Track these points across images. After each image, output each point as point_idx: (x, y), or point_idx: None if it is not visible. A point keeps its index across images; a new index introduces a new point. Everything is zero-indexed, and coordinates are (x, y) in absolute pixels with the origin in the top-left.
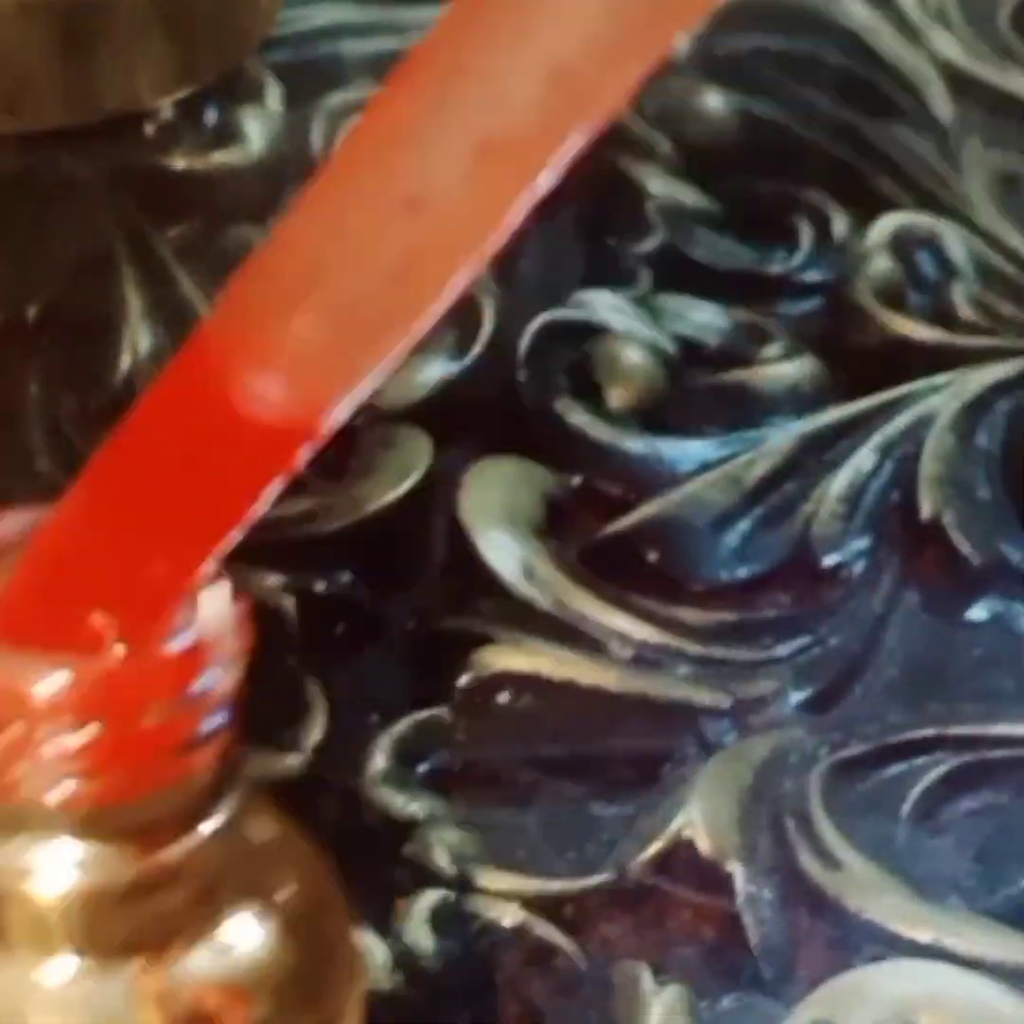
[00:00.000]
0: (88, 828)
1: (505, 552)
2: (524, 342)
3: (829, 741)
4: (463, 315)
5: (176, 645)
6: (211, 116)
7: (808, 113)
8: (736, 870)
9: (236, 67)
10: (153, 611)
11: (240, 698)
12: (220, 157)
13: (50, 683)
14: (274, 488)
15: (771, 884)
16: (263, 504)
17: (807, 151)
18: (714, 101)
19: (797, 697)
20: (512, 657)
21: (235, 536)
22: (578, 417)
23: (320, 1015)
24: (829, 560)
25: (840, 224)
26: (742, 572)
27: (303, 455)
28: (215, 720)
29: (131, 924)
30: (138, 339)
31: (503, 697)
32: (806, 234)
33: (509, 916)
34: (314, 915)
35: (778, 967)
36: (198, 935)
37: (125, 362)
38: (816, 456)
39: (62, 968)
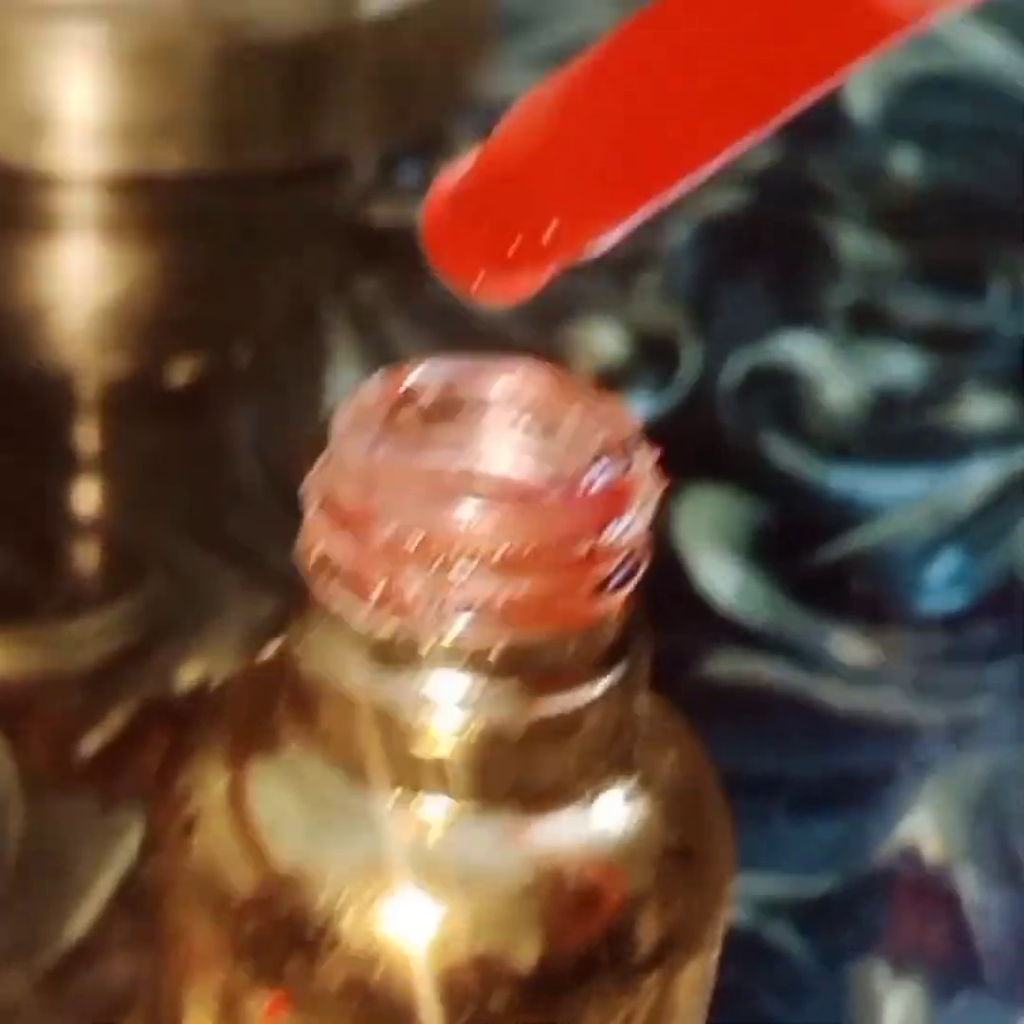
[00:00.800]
0: (490, 665)
1: (719, 574)
2: (727, 381)
3: None
4: (664, 357)
5: (600, 481)
6: (412, 174)
7: (996, 177)
8: (963, 877)
9: (436, 127)
10: (605, 218)
11: (650, 554)
12: (420, 212)
13: (469, 509)
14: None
15: (998, 890)
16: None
17: (996, 212)
18: (904, 163)
19: (1012, 719)
20: (732, 672)
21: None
22: (783, 453)
23: (697, 901)
24: None
25: None
26: (951, 601)
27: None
28: (628, 567)
29: (518, 773)
30: (344, 384)
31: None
32: (999, 289)
33: (739, 920)
34: (694, 796)
35: (1007, 971)
36: (580, 798)
37: (332, 406)
38: (1020, 491)
39: (440, 808)
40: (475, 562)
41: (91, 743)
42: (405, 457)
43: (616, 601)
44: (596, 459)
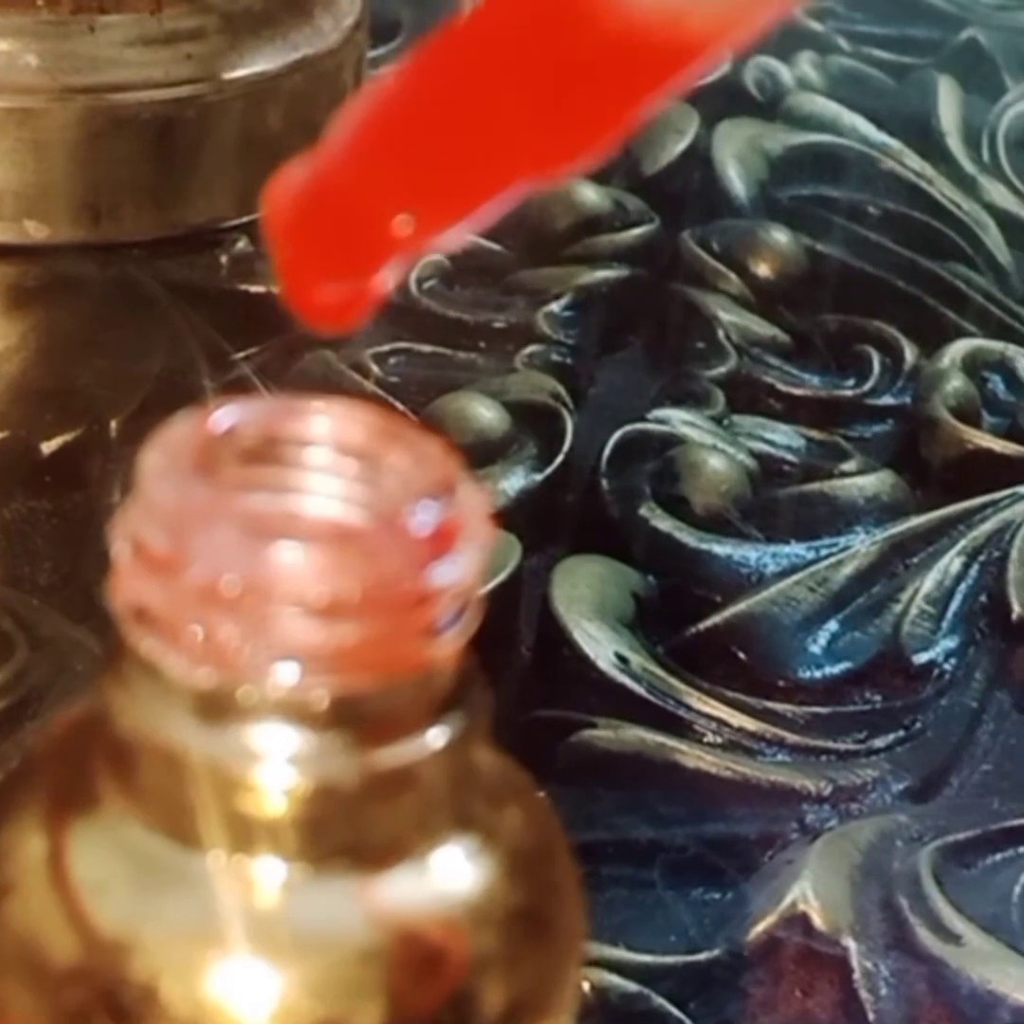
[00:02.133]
0: (319, 717)
1: (598, 643)
2: (606, 451)
3: (933, 827)
4: (544, 429)
5: (424, 521)
6: None
7: (870, 252)
8: (851, 945)
9: None
10: (445, 213)
11: (480, 604)
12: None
13: (289, 551)
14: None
15: (888, 959)
16: (610, 138)
17: (872, 286)
18: (779, 240)
19: (897, 786)
20: (612, 741)
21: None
22: (662, 521)
23: (543, 963)
24: (921, 658)
25: (909, 352)
26: (833, 669)
27: (686, 78)
28: (459, 611)
29: (353, 830)
30: None
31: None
32: (876, 361)
33: (622, 988)
34: (540, 855)
35: None
36: (419, 856)
37: None
38: (902, 560)
39: (271, 869)
40: (297, 607)
41: None
42: (219, 498)
43: (448, 646)
44: (419, 499)
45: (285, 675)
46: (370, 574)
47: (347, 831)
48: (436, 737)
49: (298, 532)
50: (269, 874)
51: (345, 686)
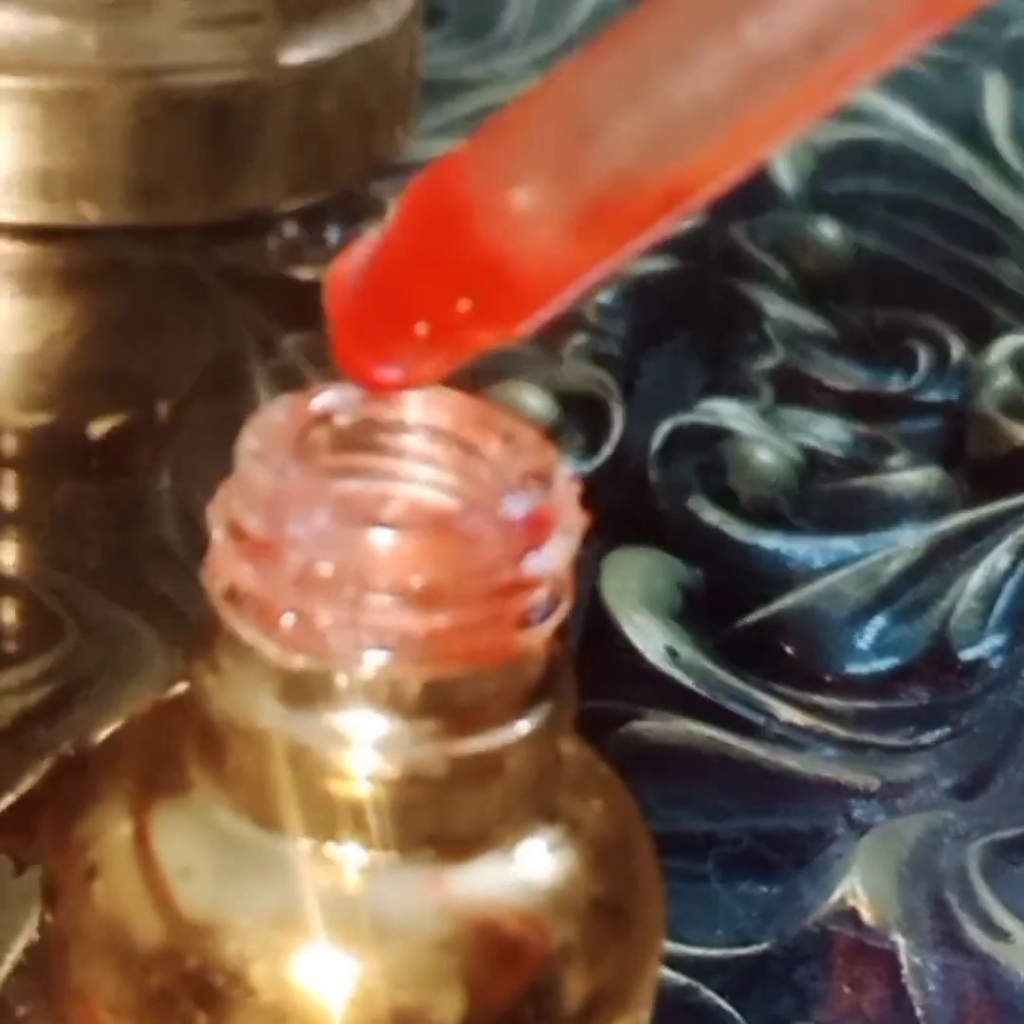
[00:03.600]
0: (409, 704)
1: (648, 635)
2: (654, 444)
3: (980, 824)
4: (592, 420)
5: (520, 509)
6: (333, 234)
7: (917, 247)
8: (900, 941)
9: (360, 187)
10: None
11: (574, 589)
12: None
13: (385, 537)
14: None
15: (936, 955)
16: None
17: (919, 281)
18: (827, 233)
19: (944, 782)
20: (661, 732)
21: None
22: (711, 515)
23: (626, 957)
24: (968, 654)
25: (957, 348)
26: (880, 664)
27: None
28: (551, 601)
29: (437, 818)
30: None
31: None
32: (924, 357)
33: (672, 981)
34: (622, 847)
35: None
36: (503, 845)
37: None
38: (949, 556)
39: (356, 855)
40: (391, 593)
41: (3, 803)
42: (316, 482)
43: (539, 636)
44: (516, 487)
45: (377, 661)
46: (465, 562)
47: (432, 819)
48: (524, 726)
49: (393, 518)
50: (354, 860)
51: (436, 673)
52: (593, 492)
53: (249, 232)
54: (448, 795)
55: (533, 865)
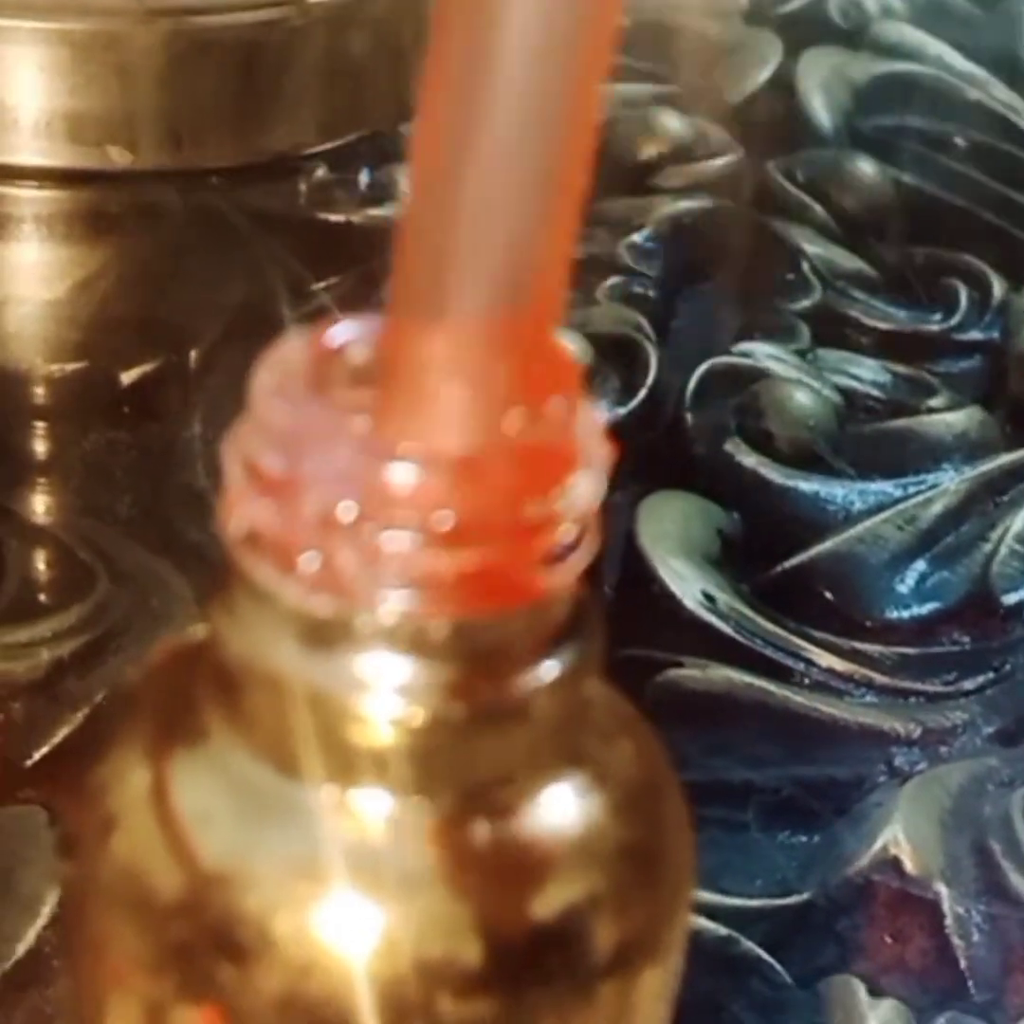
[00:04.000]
0: (432, 647)
1: (685, 580)
2: (690, 386)
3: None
4: (627, 363)
5: (545, 438)
6: (364, 176)
7: (956, 183)
8: (943, 890)
9: (391, 128)
10: None
11: (599, 527)
12: (377, 212)
13: (407, 475)
14: None
15: (980, 904)
16: None
17: (959, 218)
18: (865, 171)
19: (987, 729)
20: (699, 680)
21: None
22: (748, 458)
23: (655, 904)
24: (1011, 599)
25: (998, 286)
26: (921, 609)
27: None
28: (577, 539)
29: (463, 764)
30: None
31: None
32: (964, 296)
33: (713, 932)
34: (650, 793)
35: (991, 986)
36: (528, 791)
37: None
38: (992, 498)
39: (379, 802)
40: (414, 533)
41: (37, 754)
42: (334, 418)
43: (566, 574)
44: (539, 420)
45: (399, 603)
46: (488, 499)
47: (457, 764)
48: (549, 669)
49: (413, 454)
50: (376, 808)
51: (460, 615)
52: (628, 436)
53: (279, 174)
54: (472, 740)
55: (559, 810)
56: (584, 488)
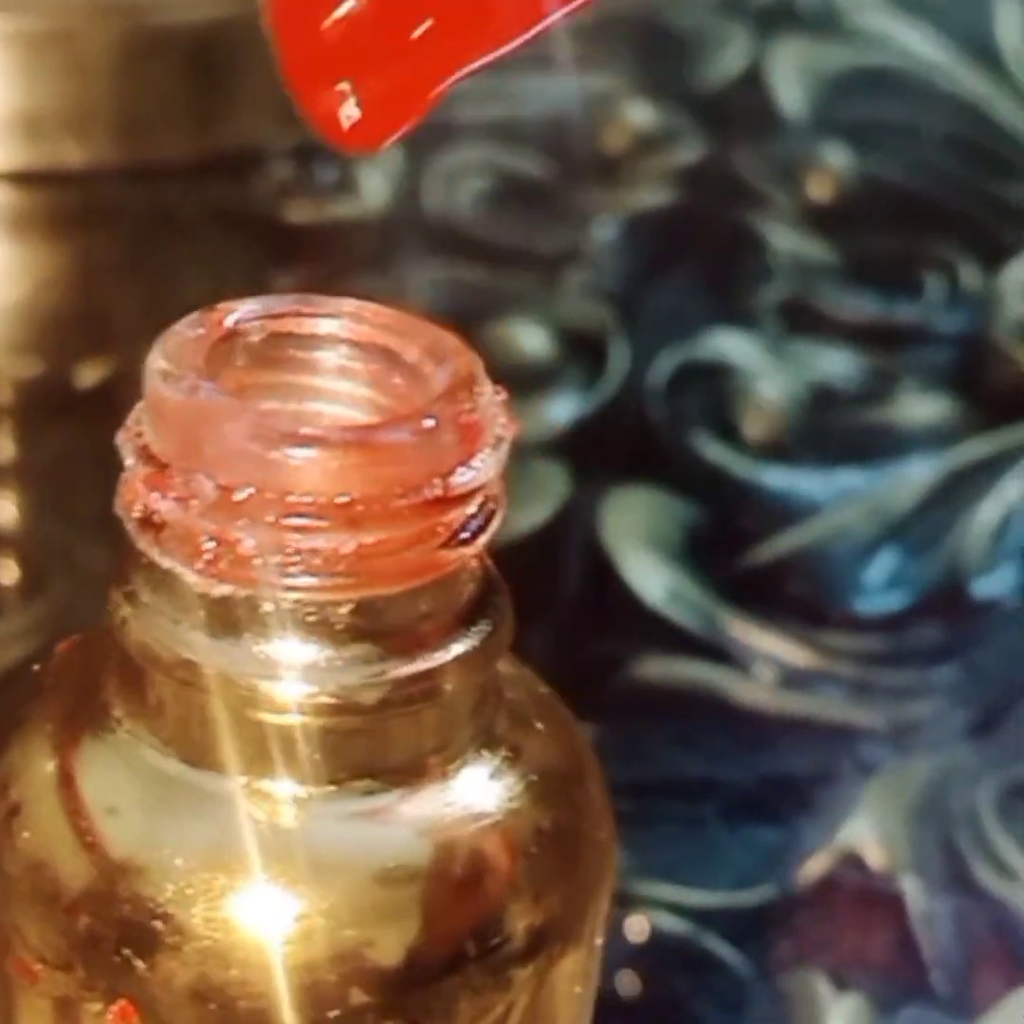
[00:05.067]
0: (338, 629)
1: (649, 575)
2: (656, 379)
3: (993, 763)
4: (592, 355)
5: (445, 419)
6: (328, 172)
7: (927, 172)
8: (908, 884)
9: None
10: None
11: (504, 507)
12: (337, 209)
13: (305, 455)
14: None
15: (945, 898)
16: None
17: (929, 207)
18: (834, 159)
19: (955, 722)
20: (662, 676)
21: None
22: (715, 451)
23: (573, 889)
24: (979, 590)
25: (968, 274)
26: (890, 601)
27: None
28: (483, 515)
29: (373, 747)
30: None
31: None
32: (934, 285)
33: (673, 927)
34: (568, 775)
35: (956, 981)
36: (443, 774)
37: None
38: (960, 488)
39: (289, 788)
40: (314, 513)
41: None
42: (230, 401)
43: (471, 552)
44: (439, 398)
45: (303, 585)
46: (389, 478)
47: (368, 748)
48: (459, 648)
49: (313, 436)
50: (287, 794)
51: (365, 594)
52: (593, 429)
53: (238, 171)
54: (383, 723)
55: (474, 794)
56: (487, 465)
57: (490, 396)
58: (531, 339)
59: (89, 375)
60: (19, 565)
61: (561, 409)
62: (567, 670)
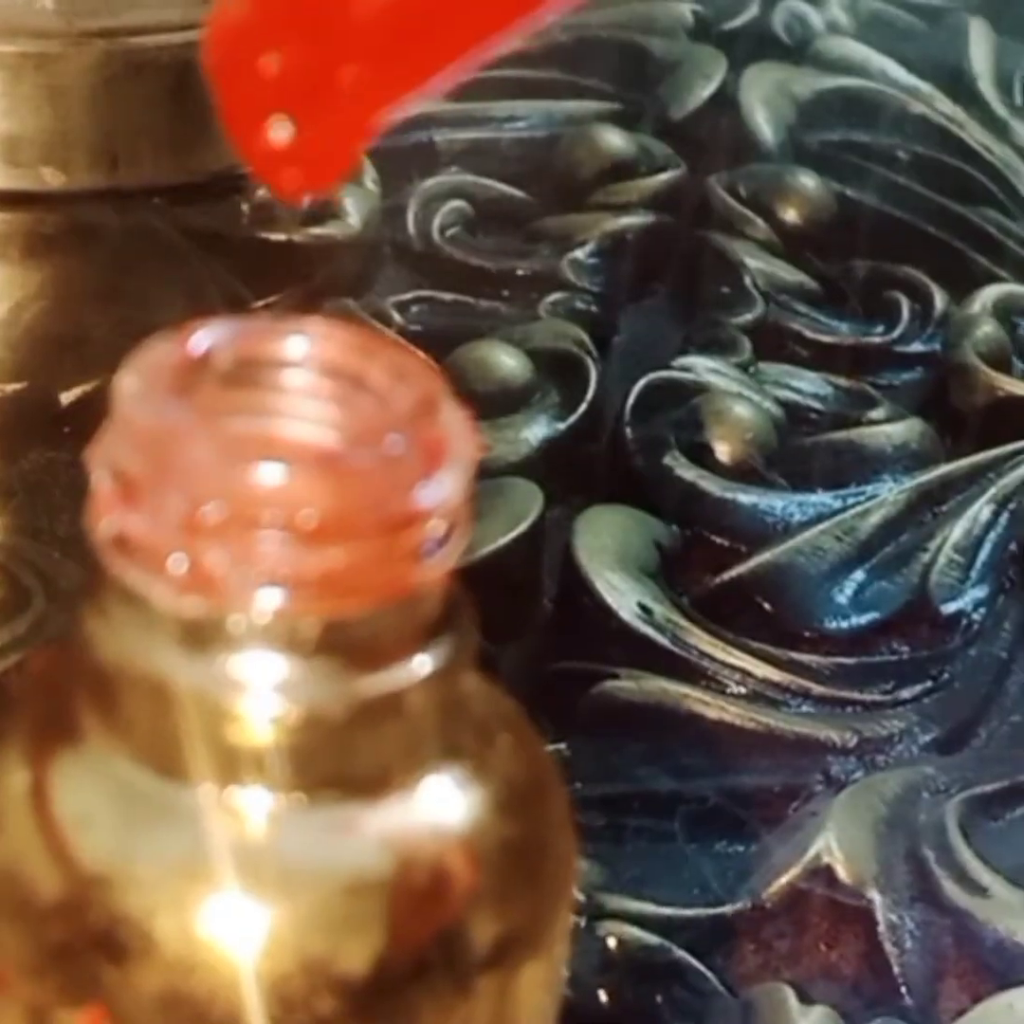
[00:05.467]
0: (305, 644)
1: (621, 593)
2: (630, 400)
3: (960, 779)
4: (567, 379)
5: (409, 439)
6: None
7: (899, 197)
8: (876, 898)
9: None
10: (335, 127)
11: (469, 525)
12: (318, 231)
13: (272, 474)
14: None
15: (913, 911)
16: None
17: (902, 231)
18: (807, 185)
19: (924, 738)
20: (634, 692)
21: (446, 77)
22: (686, 471)
23: (533, 898)
24: (949, 608)
25: (940, 298)
26: (859, 619)
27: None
28: (446, 533)
29: (341, 760)
30: None
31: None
32: (905, 308)
33: (643, 940)
34: (531, 787)
35: (923, 993)
36: (407, 786)
37: None
38: (931, 508)
39: (258, 800)
40: (281, 532)
41: None
42: (198, 421)
43: (435, 570)
44: (404, 417)
45: (270, 601)
46: (354, 496)
47: (334, 760)
48: (423, 663)
49: (280, 455)
50: (256, 805)
51: (331, 612)
52: (568, 450)
53: (218, 193)
54: (350, 736)
55: (438, 806)
56: (450, 484)
57: (454, 416)
58: (507, 360)
59: (69, 395)
60: None
61: (536, 429)
62: (540, 686)
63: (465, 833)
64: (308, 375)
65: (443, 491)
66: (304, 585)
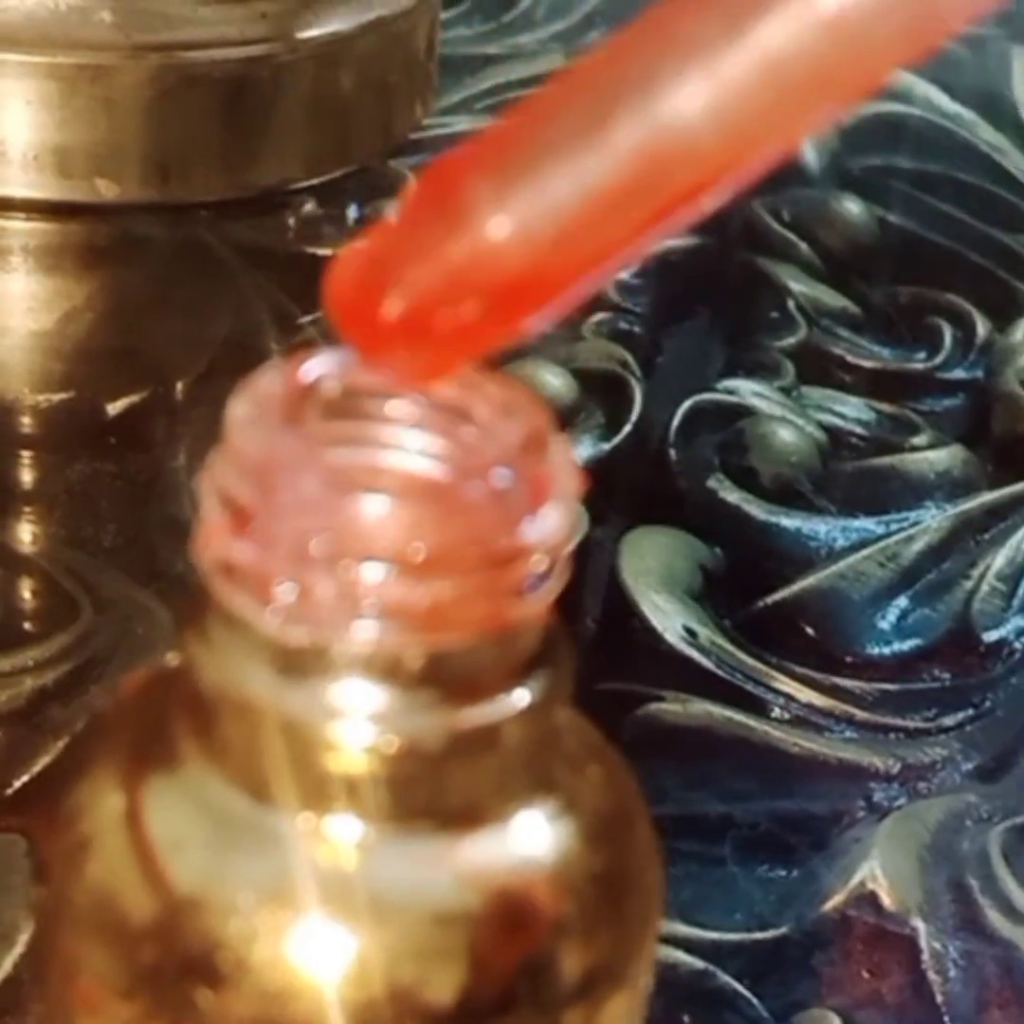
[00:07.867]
0: (404, 675)
1: (667, 615)
2: (674, 422)
3: (1004, 807)
4: (612, 398)
5: (516, 473)
6: (352, 210)
7: (942, 224)
8: (920, 926)
9: (378, 164)
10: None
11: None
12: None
13: (379, 506)
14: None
15: (957, 940)
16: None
17: (944, 258)
18: (851, 210)
19: (967, 765)
20: (680, 715)
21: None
22: (731, 493)
23: (623, 932)
24: (991, 636)
25: (982, 325)
26: (902, 646)
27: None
28: (548, 569)
29: (435, 791)
30: None
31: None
32: (948, 334)
33: (689, 965)
34: (619, 820)
35: (966, 1022)
36: (500, 818)
37: None
38: (973, 536)
39: (352, 829)
40: (386, 564)
41: (19, 781)
42: (307, 450)
43: (536, 604)
44: (510, 452)
45: (372, 632)
46: (462, 530)
47: (429, 791)
48: (520, 697)
49: (387, 487)
50: (349, 834)
51: (432, 644)
52: (612, 471)
53: (267, 208)
54: (445, 767)
55: (530, 838)
56: (555, 520)
57: (559, 451)
58: (551, 380)
59: (117, 406)
60: (43, 594)
61: (580, 450)
62: (586, 708)
63: (554, 866)
64: (414, 407)
65: (547, 527)
66: (406, 617)
